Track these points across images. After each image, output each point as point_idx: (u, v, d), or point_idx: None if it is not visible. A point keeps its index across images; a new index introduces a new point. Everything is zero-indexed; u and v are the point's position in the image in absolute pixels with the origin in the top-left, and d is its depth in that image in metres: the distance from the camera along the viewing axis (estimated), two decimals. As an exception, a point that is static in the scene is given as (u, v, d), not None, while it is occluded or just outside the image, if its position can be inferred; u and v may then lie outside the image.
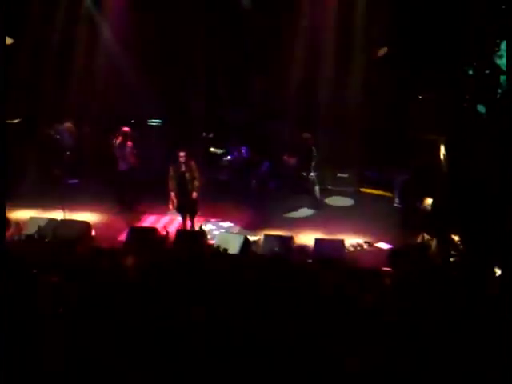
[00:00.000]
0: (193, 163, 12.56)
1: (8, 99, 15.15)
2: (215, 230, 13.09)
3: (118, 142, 14.09)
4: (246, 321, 6.54)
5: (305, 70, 15.84)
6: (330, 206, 14.70)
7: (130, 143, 14.08)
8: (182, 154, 12.23)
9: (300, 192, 14.59)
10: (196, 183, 12.47)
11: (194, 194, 12.47)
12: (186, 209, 12.71)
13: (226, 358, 5.86)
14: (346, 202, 14.91)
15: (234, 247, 10.91)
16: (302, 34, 15.85)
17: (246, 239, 11.41)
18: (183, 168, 12.29)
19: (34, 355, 6.11)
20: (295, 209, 14.18)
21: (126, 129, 14.26)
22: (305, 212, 14.10)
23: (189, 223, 12.83)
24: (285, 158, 14.99)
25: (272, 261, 9.44)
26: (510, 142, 11.88)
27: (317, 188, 14.35)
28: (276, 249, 10.70)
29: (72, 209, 13.48)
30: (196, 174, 12.49)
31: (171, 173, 12.38)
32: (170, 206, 12.49)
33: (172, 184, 12.35)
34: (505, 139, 12.32)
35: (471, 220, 11.19)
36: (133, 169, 14.16)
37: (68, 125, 16.47)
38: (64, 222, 12.61)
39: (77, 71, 16.68)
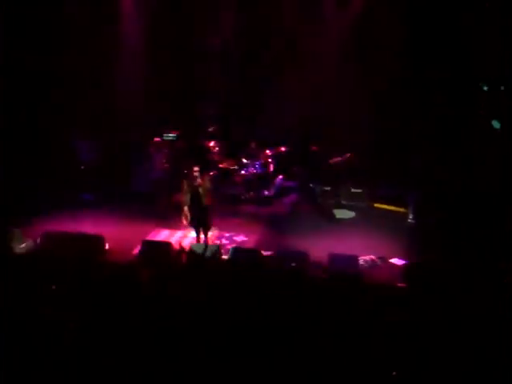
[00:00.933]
0: (206, 178, 12.58)
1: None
2: (228, 243, 13.02)
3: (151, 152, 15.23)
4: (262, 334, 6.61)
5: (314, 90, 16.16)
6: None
7: (160, 153, 15.09)
8: (196, 168, 12.24)
9: (312, 204, 14.76)
10: (209, 198, 12.48)
11: (207, 201, 12.37)
12: (200, 223, 12.70)
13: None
14: (348, 214, 14.93)
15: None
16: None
17: (219, 248, 11.77)
18: (197, 182, 12.28)
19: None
20: (309, 223, 14.14)
21: (157, 139, 15.52)
22: (318, 226, 14.02)
23: (202, 237, 12.80)
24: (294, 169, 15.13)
25: (288, 275, 9.51)
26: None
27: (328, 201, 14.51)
28: (293, 264, 10.66)
29: (86, 223, 13.46)
30: (209, 189, 12.50)
31: (185, 187, 12.37)
32: (184, 221, 12.48)
33: (185, 198, 12.35)
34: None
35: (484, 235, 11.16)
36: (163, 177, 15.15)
37: (88, 140, 16.70)
38: (78, 235, 12.61)
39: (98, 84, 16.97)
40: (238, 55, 17.47)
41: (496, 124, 13.32)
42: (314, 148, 16.35)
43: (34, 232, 12.53)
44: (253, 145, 16.22)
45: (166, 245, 12.09)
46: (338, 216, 14.76)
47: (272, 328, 6.82)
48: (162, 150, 15.97)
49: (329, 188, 15.56)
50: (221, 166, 16.31)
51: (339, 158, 15.70)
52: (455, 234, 12.01)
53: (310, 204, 14.98)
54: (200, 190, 12.34)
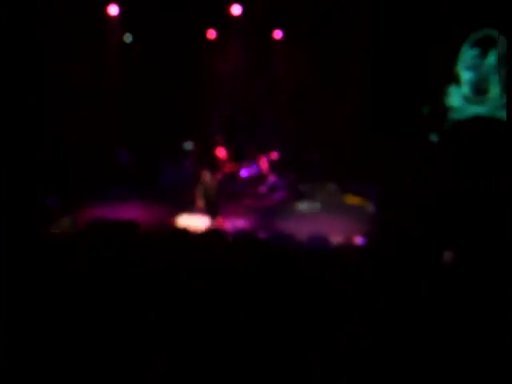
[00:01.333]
0: (215, 177, 13.12)
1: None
2: (231, 227, 13.17)
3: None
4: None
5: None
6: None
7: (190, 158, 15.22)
8: (206, 170, 12.79)
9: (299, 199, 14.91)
10: (217, 192, 13.05)
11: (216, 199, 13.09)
12: (210, 212, 13.17)
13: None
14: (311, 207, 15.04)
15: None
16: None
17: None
18: (209, 180, 12.77)
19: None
20: (293, 213, 14.50)
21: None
22: (301, 215, 14.38)
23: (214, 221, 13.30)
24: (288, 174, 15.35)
25: (277, 251, 9.72)
26: (459, 164, 12.25)
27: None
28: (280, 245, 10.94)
29: (124, 211, 13.70)
30: (217, 185, 13.14)
31: (200, 180, 12.86)
32: (198, 204, 12.93)
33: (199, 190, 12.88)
34: (454, 162, 12.70)
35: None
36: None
37: (125, 146, 16.96)
38: (117, 221, 12.75)
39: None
40: (243, 78, 17.71)
41: (434, 137, 13.66)
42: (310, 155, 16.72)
43: (82, 219, 12.71)
44: (251, 151, 16.58)
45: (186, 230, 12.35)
46: (299, 208, 14.84)
47: (263, 292, 6.96)
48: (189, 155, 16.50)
49: (332, 186, 15.72)
50: (225, 168, 16.65)
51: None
52: (404, 223, 12.23)
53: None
54: (211, 185, 12.91)
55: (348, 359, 5.48)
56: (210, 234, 12.25)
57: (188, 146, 17.46)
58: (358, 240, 12.35)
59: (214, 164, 15.84)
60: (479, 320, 6.07)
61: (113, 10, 15.72)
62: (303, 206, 14.90)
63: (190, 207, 13.99)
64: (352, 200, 15.46)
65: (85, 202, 14.31)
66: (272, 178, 16.46)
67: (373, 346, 5.65)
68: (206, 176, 12.97)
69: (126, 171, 16.79)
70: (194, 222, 13.67)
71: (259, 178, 16.39)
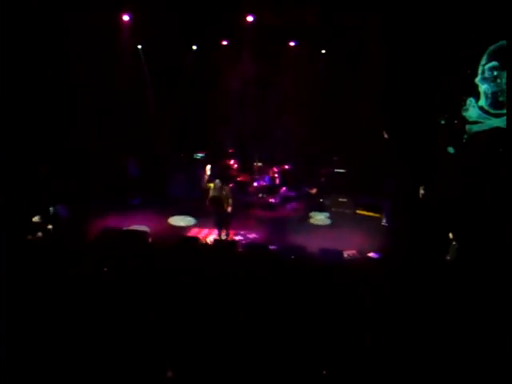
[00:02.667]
0: (227, 188, 12.88)
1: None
2: (243, 240, 13.14)
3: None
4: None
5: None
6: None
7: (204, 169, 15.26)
8: (217, 180, 12.66)
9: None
10: (230, 201, 12.78)
11: (229, 209, 12.78)
12: (222, 223, 12.94)
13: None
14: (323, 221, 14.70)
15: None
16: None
17: None
18: (220, 189, 12.61)
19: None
20: (305, 225, 14.22)
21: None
22: (314, 227, 14.10)
23: (223, 233, 13.06)
24: (307, 189, 15.13)
25: (289, 264, 9.57)
26: (475, 175, 12.00)
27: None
28: (292, 256, 10.75)
29: (134, 221, 13.68)
30: (230, 195, 12.81)
31: (210, 191, 12.94)
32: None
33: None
34: (471, 173, 12.45)
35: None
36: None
37: (133, 158, 16.74)
38: (128, 231, 12.79)
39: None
40: (253, 94, 17.62)
41: (451, 149, 13.41)
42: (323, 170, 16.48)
43: (96, 228, 12.71)
44: (257, 164, 16.41)
45: (194, 239, 12.26)
46: (312, 221, 14.55)
47: (275, 303, 6.87)
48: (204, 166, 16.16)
49: (345, 199, 15.36)
50: (238, 179, 16.47)
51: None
52: (418, 236, 12.03)
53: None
54: (223, 194, 12.69)
55: (359, 364, 5.62)
56: (221, 244, 12.19)
57: (199, 156, 17.34)
58: (372, 254, 12.17)
59: (225, 175, 15.61)
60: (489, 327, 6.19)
61: (125, 18, 15.63)
62: (318, 217, 14.60)
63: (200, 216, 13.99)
64: (364, 212, 15.23)
65: (95, 211, 14.16)
66: (284, 190, 16.21)
67: (383, 357, 5.69)
68: (218, 185, 12.80)
69: (136, 181, 16.60)
70: (183, 221, 14.00)
71: (271, 189, 16.11)
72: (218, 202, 12.77)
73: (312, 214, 14.68)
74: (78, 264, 8.59)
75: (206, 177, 14.29)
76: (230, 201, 12.88)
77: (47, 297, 6.75)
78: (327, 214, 14.74)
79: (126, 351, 5.74)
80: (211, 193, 12.84)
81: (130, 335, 6.04)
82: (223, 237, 12.99)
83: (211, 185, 13.17)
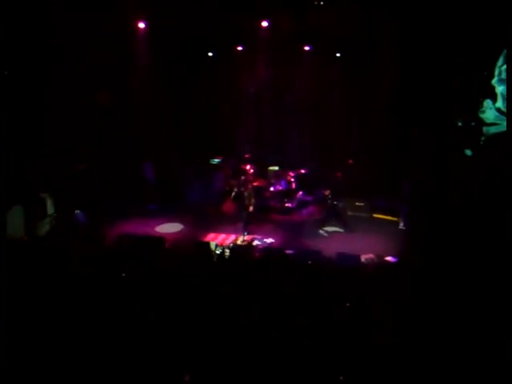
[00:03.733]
0: (250, 186, 13.76)
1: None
2: (260, 244, 13.12)
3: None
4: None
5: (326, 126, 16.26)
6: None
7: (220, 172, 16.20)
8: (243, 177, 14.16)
9: (331, 216, 14.48)
10: (252, 201, 13.52)
11: (251, 208, 13.43)
12: (244, 219, 13.53)
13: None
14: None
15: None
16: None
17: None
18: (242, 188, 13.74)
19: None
20: (322, 229, 14.17)
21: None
22: (331, 231, 14.05)
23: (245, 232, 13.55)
24: (322, 191, 15.08)
25: (306, 269, 9.55)
26: (493, 177, 11.84)
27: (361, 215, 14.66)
28: (309, 262, 10.69)
29: (151, 227, 13.78)
30: (252, 195, 13.61)
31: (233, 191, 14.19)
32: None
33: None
34: (488, 175, 12.28)
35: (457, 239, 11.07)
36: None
37: (149, 163, 16.79)
38: (145, 236, 12.84)
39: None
40: (269, 100, 17.66)
41: (468, 152, 13.27)
42: (337, 173, 16.42)
43: (113, 233, 12.75)
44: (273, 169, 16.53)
45: (210, 244, 12.25)
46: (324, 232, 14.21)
47: (292, 307, 6.86)
48: (222, 170, 16.60)
49: (362, 203, 15.28)
50: (254, 183, 16.49)
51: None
52: (436, 239, 11.91)
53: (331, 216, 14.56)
54: (245, 194, 13.58)
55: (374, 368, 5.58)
56: (240, 249, 12.19)
57: (216, 161, 17.42)
58: (389, 258, 12.07)
59: (242, 180, 15.67)
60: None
61: (141, 26, 15.75)
62: (326, 230, 14.27)
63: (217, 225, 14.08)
64: (381, 216, 15.15)
65: (113, 217, 14.33)
66: (300, 194, 16.19)
67: (400, 363, 5.65)
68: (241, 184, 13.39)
69: (153, 187, 16.69)
70: (170, 228, 14.15)
71: (287, 194, 16.09)
72: (241, 200, 13.49)
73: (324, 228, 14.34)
74: (95, 269, 8.63)
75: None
76: (253, 200, 13.56)
77: (59, 301, 6.79)
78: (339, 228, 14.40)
79: (142, 356, 5.74)
80: (235, 192, 13.21)
81: (145, 339, 6.05)
82: (245, 235, 13.42)
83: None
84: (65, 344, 5.77)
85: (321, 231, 14.04)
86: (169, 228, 14.26)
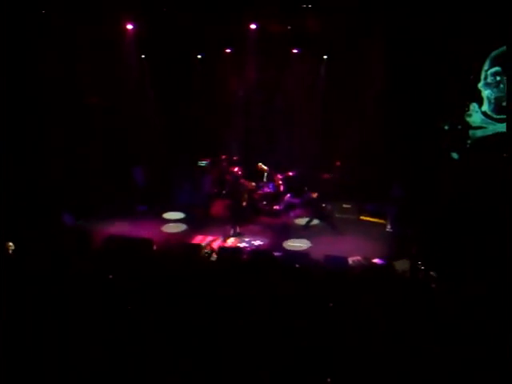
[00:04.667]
0: (243, 184, 14.33)
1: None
2: (248, 246, 13.08)
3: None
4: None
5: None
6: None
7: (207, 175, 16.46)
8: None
9: (320, 218, 14.47)
10: (245, 196, 14.07)
11: (244, 203, 13.92)
12: (237, 214, 13.86)
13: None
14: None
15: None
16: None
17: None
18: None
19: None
20: (309, 231, 14.15)
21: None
22: (318, 233, 14.02)
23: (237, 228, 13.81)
24: (309, 194, 15.05)
25: (293, 271, 9.55)
26: (478, 180, 11.95)
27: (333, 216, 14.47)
28: (297, 265, 10.66)
29: (140, 228, 13.68)
30: (245, 191, 14.17)
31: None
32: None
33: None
34: (475, 178, 12.39)
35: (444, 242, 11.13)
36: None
37: (139, 165, 16.68)
38: (133, 238, 12.76)
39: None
40: (258, 102, 17.62)
41: (455, 155, 13.36)
42: (325, 176, 16.42)
43: (100, 235, 12.66)
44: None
45: (198, 246, 12.27)
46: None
47: (279, 309, 6.85)
48: (209, 172, 16.62)
49: (349, 205, 15.22)
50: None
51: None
52: (422, 240, 11.98)
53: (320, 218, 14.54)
54: (241, 189, 14.07)
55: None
56: (226, 252, 12.17)
57: (204, 163, 17.37)
58: (377, 260, 12.09)
59: (233, 177, 15.72)
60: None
61: (129, 27, 15.68)
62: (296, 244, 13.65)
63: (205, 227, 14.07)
64: (368, 219, 15.15)
65: (101, 219, 14.26)
66: (288, 197, 16.17)
67: (388, 365, 5.67)
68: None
69: (142, 190, 16.65)
70: (174, 228, 14.27)
71: (275, 197, 16.08)
72: (235, 196, 13.89)
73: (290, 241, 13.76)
74: (83, 270, 8.59)
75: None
76: (246, 196, 14.04)
77: (50, 302, 6.76)
78: (306, 241, 13.74)
79: (133, 357, 5.75)
80: (229, 188, 14.06)
81: (136, 340, 6.06)
82: (236, 232, 13.70)
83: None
84: (53, 345, 5.73)
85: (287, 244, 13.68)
86: (173, 228, 14.43)
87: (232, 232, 13.74)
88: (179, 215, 15.27)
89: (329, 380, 5.43)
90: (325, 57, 16.81)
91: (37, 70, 13.73)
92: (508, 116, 11.42)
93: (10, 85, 12.01)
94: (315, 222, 14.41)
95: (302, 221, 14.79)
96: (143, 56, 17.19)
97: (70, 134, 15.05)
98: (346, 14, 13.51)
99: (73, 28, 14.02)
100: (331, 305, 7.23)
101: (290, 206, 15.97)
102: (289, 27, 15.14)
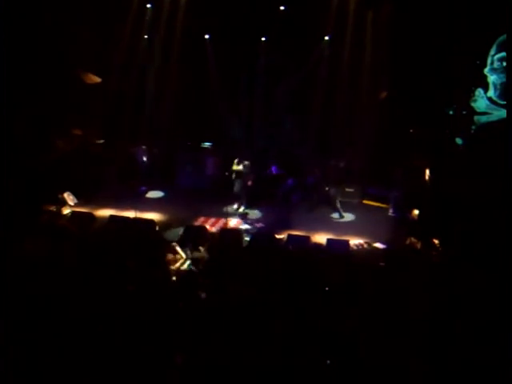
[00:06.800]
0: (248, 163, 14.21)
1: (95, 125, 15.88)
2: (250, 229, 13.09)
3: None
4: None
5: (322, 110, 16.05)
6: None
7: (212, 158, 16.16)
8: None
9: (323, 202, 14.41)
10: (251, 175, 14.34)
11: (249, 182, 14.22)
12: (241, 193, 14.17)
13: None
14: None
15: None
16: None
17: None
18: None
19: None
20: (311, 215, 14.09)
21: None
22: (321, 217, 13.98)
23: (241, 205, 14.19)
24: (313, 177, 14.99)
25: (294, 253, 9.57)
26: (482, 166, 11.90)
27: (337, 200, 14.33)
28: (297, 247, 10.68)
29: (142, 209, 13.65)
30: (249, 171, 14.25)
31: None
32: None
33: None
34: (478, 164, 12.34)
35: (448, 226, 11.12)
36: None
37: (143, 147, 16.56)
38: (135, 219, 12.79)
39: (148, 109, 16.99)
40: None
41: (459, 141, 13.29)
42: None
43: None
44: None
45: (203, 228, 12.34)
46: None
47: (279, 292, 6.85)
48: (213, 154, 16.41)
49: (352, 189, 15.13)
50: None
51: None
52: (423, 225, 11.97)
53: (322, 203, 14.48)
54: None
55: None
56: (227, 233, 12.19)
57: (207, 145, 17.22)
58: (378, 244, 12.10)
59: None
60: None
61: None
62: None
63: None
64: (371, 203, 15.07)
65: (105, 199, 14.28)
66: (289, 181, 16.05)
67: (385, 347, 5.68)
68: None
69: (145, 170, 16.56)
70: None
71: (278, 179, 15.98)
72: (240, 175, 13.95)
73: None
74: (85, 250, 8.60)
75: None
76: (252, 175, 14.29)
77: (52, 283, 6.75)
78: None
79: (134, 336, 5.75)
80: (234, 167, 14.00)
81: (137, 320, 6.04)
82: (240, 209, 14.12)
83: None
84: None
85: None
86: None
87: (236, 206, 14.16)
88: (159, 193, 15.48)
89: (328, 361, 5.44)
90: (326, 37, 16.36)
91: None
92: (508, 102, 11.37)
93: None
94: (319, 205, 14.35)
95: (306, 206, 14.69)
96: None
97: (72, 116, 15.14)
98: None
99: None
100: (327, 289, 7.21)
101: (292, 189, 15.89)
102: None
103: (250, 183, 14.28)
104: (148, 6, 16.01)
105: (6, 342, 5.27)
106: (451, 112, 13.28)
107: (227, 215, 13.49)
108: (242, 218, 13.79)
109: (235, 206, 14.24)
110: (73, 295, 6.57)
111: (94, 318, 6.02)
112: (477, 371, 5.34)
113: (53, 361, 5.35)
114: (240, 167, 14.11)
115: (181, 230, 11.89)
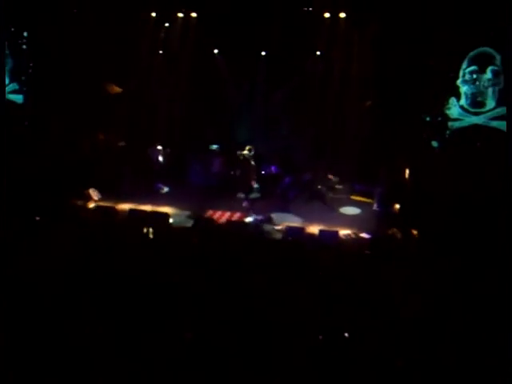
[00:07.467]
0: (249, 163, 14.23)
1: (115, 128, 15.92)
2: (253, 221, 13.15)
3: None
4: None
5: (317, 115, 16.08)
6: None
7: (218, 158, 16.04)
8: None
9: (315, 198, 14.52)
10: (255, 176, 14.34)
11: (253, 182, 14.23)
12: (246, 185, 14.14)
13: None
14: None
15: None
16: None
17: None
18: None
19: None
20: (305, 210, 14.12)
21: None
22: (314, 211, 14.03)
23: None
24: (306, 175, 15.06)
25: (290, 243, 9.63)
26: (455, 166, 12.04)
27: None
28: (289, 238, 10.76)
29: (157, 204, 13.75)
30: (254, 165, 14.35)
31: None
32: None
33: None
34: (451, 164, 12.49)
35: (425, 218, 11.20)
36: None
37: (158, 148, 16.57)
38: (151, 212, 12.85)
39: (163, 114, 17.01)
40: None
41: (435, 144, 13.42)
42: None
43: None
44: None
45: (211, 220, 12.45)
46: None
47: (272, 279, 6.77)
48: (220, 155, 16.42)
49: (341, 186, 15.06)
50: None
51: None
52: (404, 218, 12.14)
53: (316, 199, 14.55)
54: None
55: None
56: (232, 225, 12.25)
57: (215, 147, 17.22)
58: (364, 234, 12.19)
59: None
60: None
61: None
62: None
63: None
64: (358, 198, 15.11)
65: (124, 195, 14.23)
66: (287, 179, 16.07)
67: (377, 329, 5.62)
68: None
69: (158, 169, 16.55)
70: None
71: (276, 179, 16.01)
72: (246, 168, 14.06)
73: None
74: (109, 240, 8.58)
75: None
76: (255, 175, 14.28)
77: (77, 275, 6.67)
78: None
79: (141, 312, 5.57)
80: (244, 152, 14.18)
81: (146, 297, 5.89)
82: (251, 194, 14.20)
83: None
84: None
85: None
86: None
87: (246, 204, 14.06)
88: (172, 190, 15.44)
89: (320, 337, 5.42)
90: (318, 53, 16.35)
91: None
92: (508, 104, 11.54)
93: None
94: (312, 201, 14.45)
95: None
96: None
97: (98, 121, 15.30)
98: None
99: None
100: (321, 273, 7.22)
101: (289, 187, 15.89)
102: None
103: (253, 182, 14.30)
104: (166, 24, 16.10)
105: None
106: (428, 118, 13.43)
107: (234, 207, 13.73)
108: (252, 204, 13.84)
109: (242, 195, 14.27)
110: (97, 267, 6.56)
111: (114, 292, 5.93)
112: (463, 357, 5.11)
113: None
114: (246, 152, 14.22)
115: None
